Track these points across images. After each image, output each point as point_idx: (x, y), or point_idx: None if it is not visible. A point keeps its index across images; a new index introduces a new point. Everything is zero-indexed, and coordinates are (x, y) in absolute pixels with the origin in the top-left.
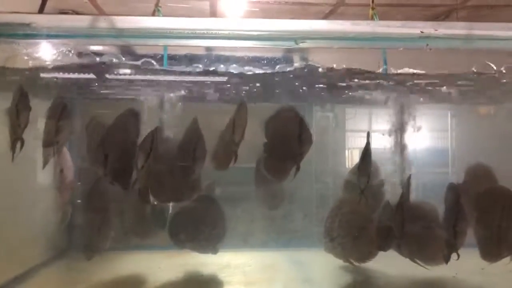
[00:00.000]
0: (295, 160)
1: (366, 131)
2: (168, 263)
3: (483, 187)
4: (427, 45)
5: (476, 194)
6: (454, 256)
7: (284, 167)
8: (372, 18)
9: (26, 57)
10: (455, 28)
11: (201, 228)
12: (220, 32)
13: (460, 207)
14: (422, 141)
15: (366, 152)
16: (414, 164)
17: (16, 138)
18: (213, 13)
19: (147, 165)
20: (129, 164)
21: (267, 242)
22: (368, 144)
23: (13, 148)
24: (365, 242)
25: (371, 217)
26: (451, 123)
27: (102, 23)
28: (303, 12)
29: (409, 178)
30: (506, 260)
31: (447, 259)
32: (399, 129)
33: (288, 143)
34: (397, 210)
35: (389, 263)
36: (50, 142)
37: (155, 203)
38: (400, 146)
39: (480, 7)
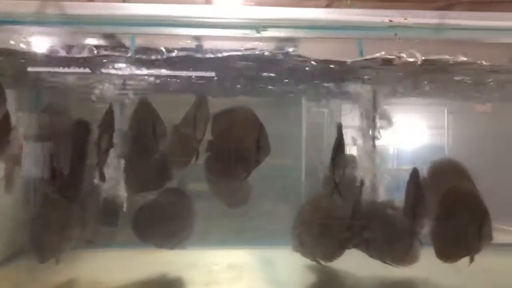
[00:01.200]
0: (247, 166)
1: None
2: (131, 262)
3: (447, 184)
4: (396, 34)
5: (439, 191)
6: (424, 255)
7: (232, 170)
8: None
9: None
10: (426, 17)
11: (167, 223)
12: (182, 19)
13: (420, 190)
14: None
15: (339, 144)
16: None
17: None
18: None
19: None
20: (78, 176)
21: (237, 240)
22: (340, 135)
23: None
24: (329, 241)
25: (335, 215)
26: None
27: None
28: (300, 6)
29: (362, 182)
30: (482, 259)
31: (410, 247)
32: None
33: (241, 146)
34: (353, 213)
35: (362, 263)
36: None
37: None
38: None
39: (477, 3)
